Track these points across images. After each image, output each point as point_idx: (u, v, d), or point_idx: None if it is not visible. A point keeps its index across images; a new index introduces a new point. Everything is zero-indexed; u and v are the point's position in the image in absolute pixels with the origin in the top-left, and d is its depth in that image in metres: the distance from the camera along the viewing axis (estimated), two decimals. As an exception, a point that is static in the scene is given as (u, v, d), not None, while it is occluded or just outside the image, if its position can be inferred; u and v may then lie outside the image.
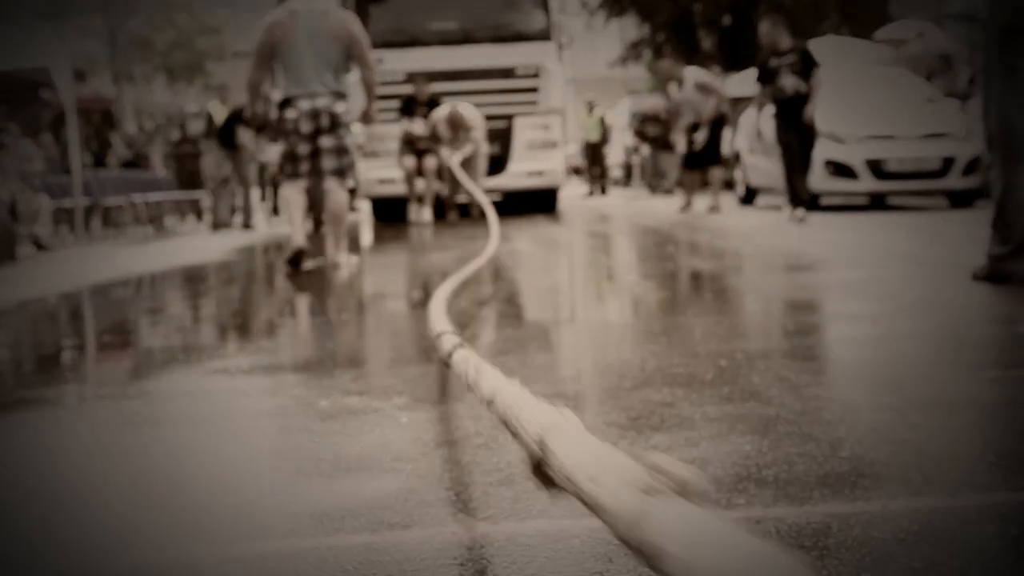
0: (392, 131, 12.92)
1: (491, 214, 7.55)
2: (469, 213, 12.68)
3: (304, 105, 6.96)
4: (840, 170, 12.21)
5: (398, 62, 13.13)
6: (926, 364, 3.40)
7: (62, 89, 12.75)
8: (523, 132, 13.67)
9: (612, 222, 13.22)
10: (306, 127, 6.98)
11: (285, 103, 7.06)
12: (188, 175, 17.62)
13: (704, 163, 13.77)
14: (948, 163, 12.05)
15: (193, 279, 7.50)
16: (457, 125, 12.35)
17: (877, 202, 13.19)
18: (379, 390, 3.11)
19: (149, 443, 2.62)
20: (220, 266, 8.44)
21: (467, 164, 12.14)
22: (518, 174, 13.68)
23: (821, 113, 11.43)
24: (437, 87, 12.95)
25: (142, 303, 6.45)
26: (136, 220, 15.16)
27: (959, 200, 12.33)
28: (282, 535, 1.87)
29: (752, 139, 13.55)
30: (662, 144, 22.90)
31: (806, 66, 10.82)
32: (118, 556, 1.83)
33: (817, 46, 13.02)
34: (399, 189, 13.16)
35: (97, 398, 3.31)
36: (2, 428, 2.90)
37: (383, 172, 13.42)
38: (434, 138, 12.43)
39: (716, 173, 13.72)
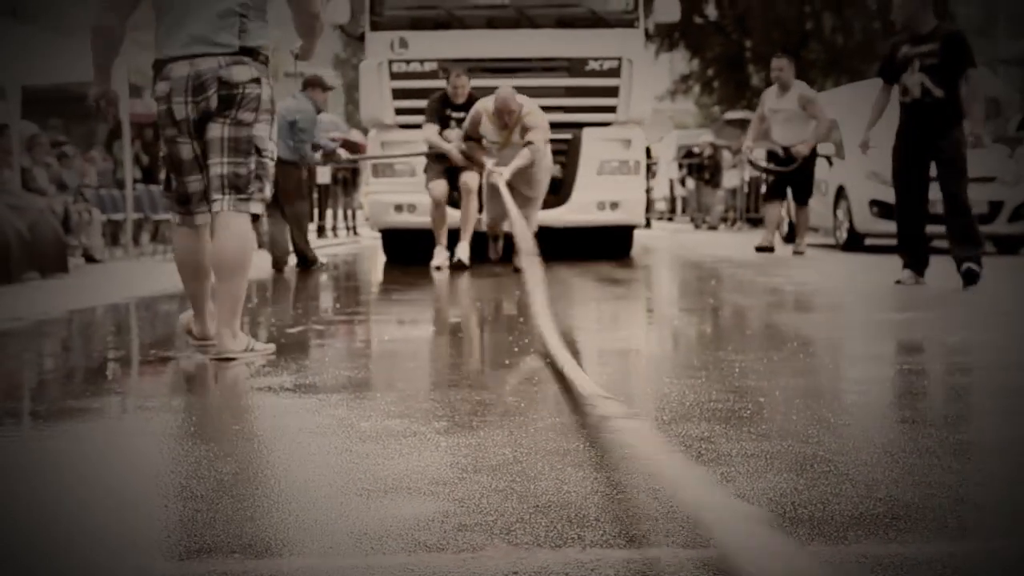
0: (412, 138, 9.72)
1: (527, 245, 5.79)
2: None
3: (178, 71, 4.22)
4: (885, 211, 12.12)
5: (427, 48, 10.08)
6: (968, 408, 3.39)
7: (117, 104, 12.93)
8: (594, 149, 10.14)
9: (657, 254, 13.10)
10: (183, 110, 4.23)
11: (155, 71, 4.33)
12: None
13: (796, 197, 11.48)
14: (996, 208, 11.96)
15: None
16: (508, 120, 8.60)
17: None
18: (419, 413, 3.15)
19: (191, 457, 2.67)
20: (259, 285, 8.52)
21: (520, 180, 8.62)
22: (585, 205, 10.13)
23: (862, 154, 11.36)
24: (478, 84, 9.42)
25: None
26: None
27: (1005, 246, 12.22)
28: (320, 553, 1.91)
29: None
30: (707, 179, 22.91)
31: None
32: (157, 565, 1.88)
33: (863, 88, 12.98)
34: (422, 219, 9.68)
35: (141, 410, 3.36)
36: (49, 437, 2.96)
37: (400, 195, 10.12)
38: (474, 142, 9.02)
39: (806, 211, 11.65)
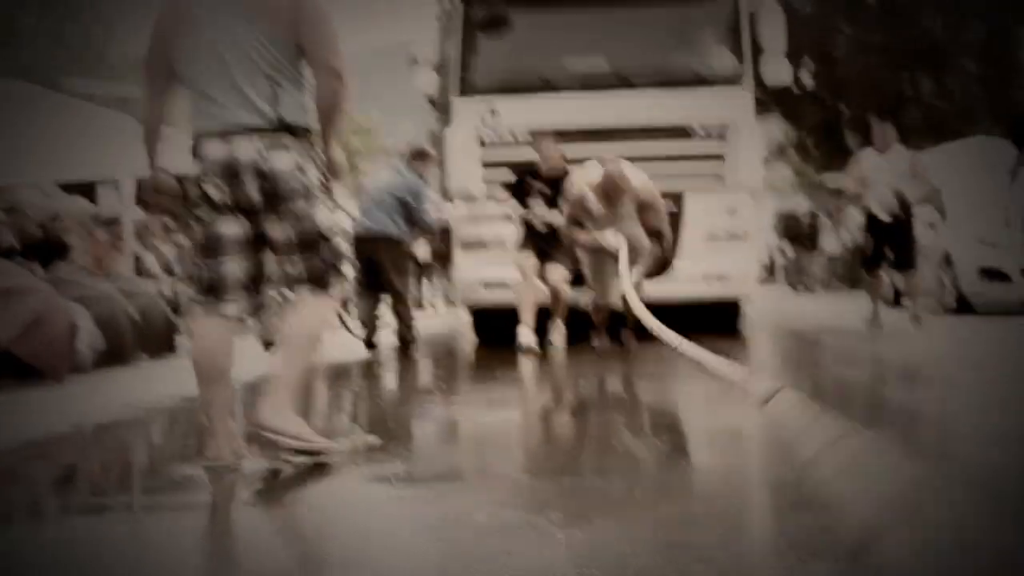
0: (504, 212, 9.13)
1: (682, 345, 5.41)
2: (620, 337, 8.45)
3: (213, 151, 3.84)
4: (993, 275, 11.91)
5: (518, 114, 9.35)
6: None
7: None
8: (699, 217, 9.34)
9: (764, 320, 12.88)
10: (219, 195, 3.85)
11: (193, 147, 3.92)
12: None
13: (899, 262, 10.62)
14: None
15: (339, 376, 7.67)
16: (615, 196, 7.86)
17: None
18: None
19: (309, 562, 2.72)
20: (364, 365, 8.61)
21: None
22: (688, 278, 9.28)
23: (972, 217, 11.20)
24: (574, 152, 8.77)
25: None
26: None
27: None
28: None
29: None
30: (805, 243, 22.73)
31: None
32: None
33: (965, 148, 12.81)
34: (513, 297, 8.85)
35: (244, 505, 3.42)
36: (165, 524, 3.04)
37: (490, 270, 9.32)
38: (577, 227, 8.15)
39: (915, 275, 10.76)
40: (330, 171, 4.07)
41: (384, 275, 9.05)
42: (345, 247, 4.06)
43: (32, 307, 7.08)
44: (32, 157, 10.22)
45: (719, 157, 9.39)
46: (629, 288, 6.81)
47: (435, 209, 9.58)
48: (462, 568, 2.50)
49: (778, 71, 9.79)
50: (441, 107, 10.24)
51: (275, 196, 3.81)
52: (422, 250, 17.78)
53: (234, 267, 3.83)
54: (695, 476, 3.76)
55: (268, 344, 9.23)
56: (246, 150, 3.77)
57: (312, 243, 3.88)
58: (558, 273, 8.49)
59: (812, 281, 22.37)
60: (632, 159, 8.36)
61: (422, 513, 3.12)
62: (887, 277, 11.75)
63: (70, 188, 11.79)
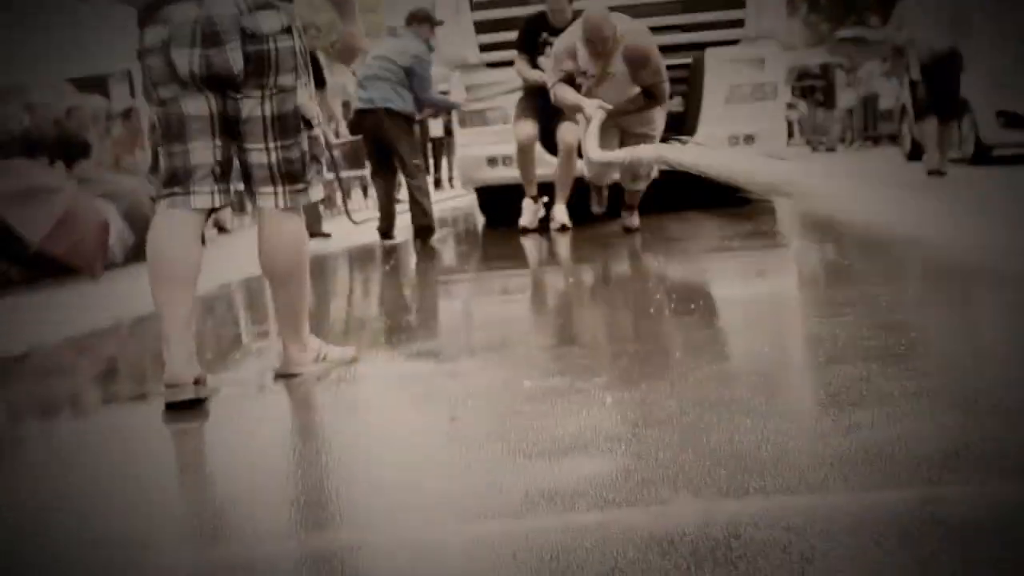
0: (502, 78, 8.32)
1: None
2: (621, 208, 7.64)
3: (181, 14, 3.21)
4: (1013, 120, 11.82)
5: None
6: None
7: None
8: (721, 72, 8.37)
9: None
10: (189, 63, 3.21)
11: (143, 17, 3.28)
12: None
13: (942, 109, 10.40)
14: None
15: (364, 258, 7.77)
16: (602, 47, 6.75)
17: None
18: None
19: (372, 420, 2.84)
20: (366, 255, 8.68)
21: (633, 118, 6.94)
22: (711, 142, 7.77)
23: (988, 63, 11.05)
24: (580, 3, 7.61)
25: (325, 285, 6.76)
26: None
27: None
28: (517, 513, 2.03)
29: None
30: (822, 101, 22.52)
31: None
32: (376, 527, 2.03)
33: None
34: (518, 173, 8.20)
35: (312, 383, 3.54)
36: (224, 405, 3.16)
37: (493, 147, 8.57)
38: (567, 85, 7.00)
39: (952, 125, 10.72)
40: (345, 51, 3.71)
41: (393, 153, 8.24)
42: (323, 140, 3.56)
43: (61, 205, 7.17)
44: (43, 55, 10.21)
45: (739, 1, 8.42)
46: (592, 150, 6.09)
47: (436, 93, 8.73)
48: (515, 431, 2.59)
49: None
50: None
51: (260, 62, 3.21)
52: (437, 128, 17.75)
53: (203, 154, 3.28)
54: (731, 338, 3.86)
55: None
56: (224, 5, 3.17)
57: (292, 129, 3.32)
58: (571, 134, 7.53)
59: (832, 139, 22.23)
60: (644, 7, 7.78)
61: (470, 383, 3.23)
62: (913, 128, 11.56)
63: (83, 85, 11.78)
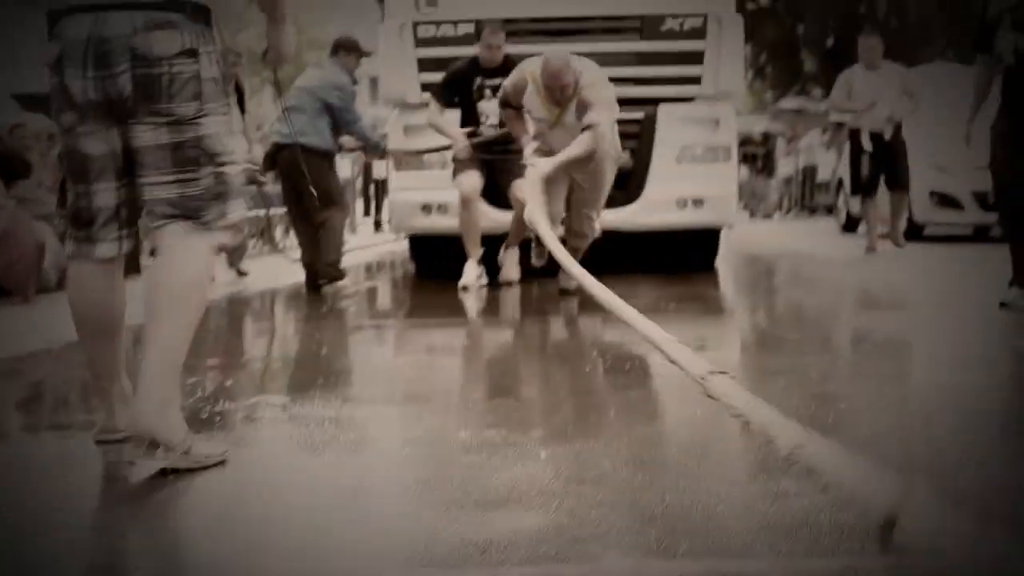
0: (445, 122, 7.63)
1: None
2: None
3: (74, 29, 2.89)
4: (945, 200, 12.13)
5: (461, 4, 8.08)
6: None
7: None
8: (673, 131, 8.02)
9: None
10: (83, 87, 2.89)
11: (49, 26, 2.99)
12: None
13: (892, 182, 10.35)
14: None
15: (286, 300, 7.74)
16: (561, 96, 6.43)
17: (981, 233, 13.07)
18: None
19: (305, 470, 2.84)
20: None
21: (580, 172, 6.67)
22: (661, 203, 8.05)
23: (926, 142, 11.28)
24: (528, 50, 7.25)
25: (263, 321, 6.74)
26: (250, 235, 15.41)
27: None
28: (452, 564, 2.06)
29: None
30: (761, 168, 22.94)
31: None
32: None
33: (923, 73, 12.92)
34: (455, 222, 7.65)
35: (250, 420, 3.53)
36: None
37: (428, 192, 8.12)
38: (513, 111, 6.85)
39: (905, 197, 10.59)
40: (272, 57, 3.33)
41: (307, 191, 7.34)
42: (240, 178, 3.05)
43: (-2, 225, 7.08)
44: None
45: (697, 58, 8.08)
46: (536, 215, 5.58)
47: (373, 132, 8.35)
48: (448, 482, 2.62)
49: None
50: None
51: (150, 87, 2.84)
52: (381, 169, 17.72)
53: (106, 196, 2.98)
54: (664, 400, 3.92)
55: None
56: (117, 24, 2.83)
57: (192, 161, 2.91)
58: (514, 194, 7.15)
59: (770, 206, 22.64)
60: (594, 58, 6.94)
61: (409, 431, 3.25)
62: (849, 202, 11.60)
63: (28, 103, 11.67)
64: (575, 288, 6.62)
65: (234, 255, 8.80)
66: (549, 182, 6.44)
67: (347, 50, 7.79)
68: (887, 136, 10.17)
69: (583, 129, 6.27)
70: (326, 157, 7.68)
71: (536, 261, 7.23)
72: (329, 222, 7.64)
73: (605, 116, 6.31)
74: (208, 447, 2.90)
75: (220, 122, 2.95)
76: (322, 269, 7.62)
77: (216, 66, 2.94)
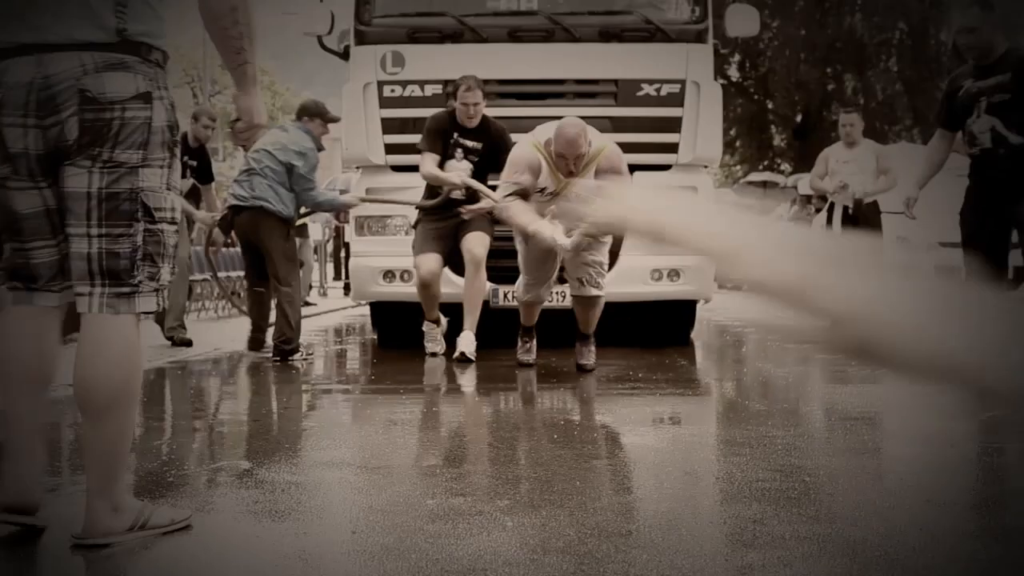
0: (408, 184, 7.52)
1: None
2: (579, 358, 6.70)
3: (16, 72, 2.65)
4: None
5: (429, 67, 7.76)
6: (1007, 491, 3.52)
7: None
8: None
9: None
10: (21, 137, 2.66)
11: None
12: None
13: None
14: (1021, 273, 12.05)
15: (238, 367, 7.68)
16: (575, 166, 6.03)
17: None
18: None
19: (265, 536, 2.83)
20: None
21: (585, 250, 6.25)
22: (635, 273, 7.65)
23: (891, 218, 11.42)
24: (495, 113, 7.30)
25: (230, 383, 6.70)
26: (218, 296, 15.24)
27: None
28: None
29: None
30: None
31: None
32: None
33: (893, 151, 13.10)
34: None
35: (214, 484, 3.51)
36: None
37: (391, 259, 7.75)
38: (520, 199, 6.19)
39: None
40: (242, 126, 2.95)
41: (265, 257, 7.30)
42: (174, 239, 2.79)
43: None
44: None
45: (674, 125, 7.76)
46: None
47: (332, 195, 8.18)
48: (416, 549, 2.61)
49: (745, 19, 8.32)
50: (334, 54, 8.35)
51: (98, 132, 2.61)
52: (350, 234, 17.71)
53: (46, 253, 2.75)
54: (632, 471, 3.93)
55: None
56: (64, 64, 2.61)
57: (126, 214, 2.65)
58: (479, 245, 6.96)
59: (735, 279, 22.86)
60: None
61: (375, 499, 3.24)
62: None
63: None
64: (593, 365, 6.54)
65: (173, 320, 8.41)
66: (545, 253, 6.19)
67: (312, 115, 7.56)
68: (850, 210, 10.29)
69: None
70: (285, 222, 7.34)
71: (523, 356, 6.81)
72: (290, 296, 7.28)
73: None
74: (169, 513, 2.83)
75: (161, 175, 2.71)
76: (276, 346, 7.26)
77: (167, 113, 2.72)
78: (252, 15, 2.80)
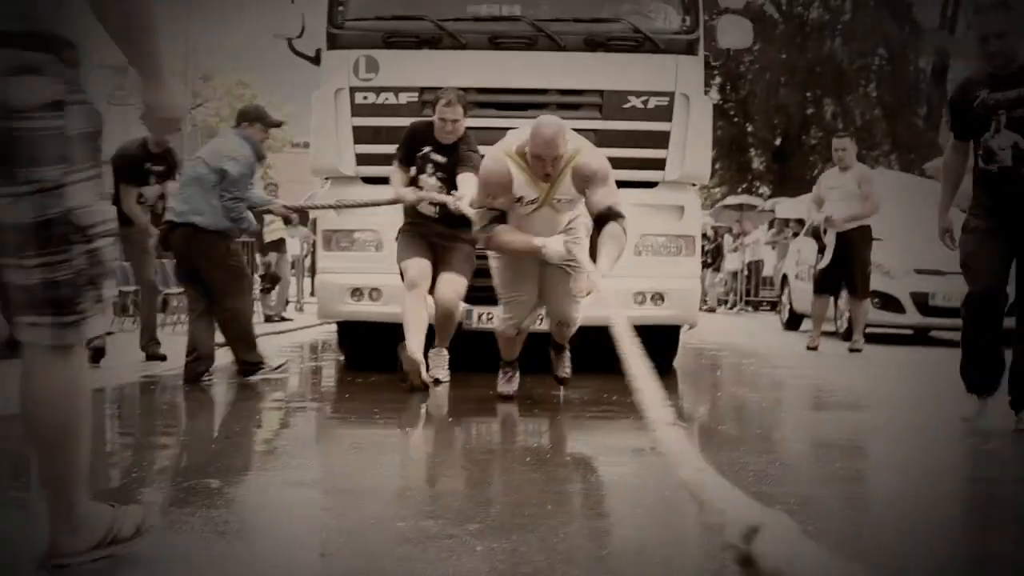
0: (381, 196, 7.01)
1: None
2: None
3: None
4: (887, 302, 12.33)
5: (404, 74, 7.34)
6: (980, 518, 3.52)
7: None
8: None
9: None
10: None
11: None
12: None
13: (852, 288, 10.52)
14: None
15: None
16: (553, 168, 5.47)
17: (921, 335, 13.27)
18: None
19: (232, 558, 2.80)
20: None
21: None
22: (617, 297, 5.53)
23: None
24: (473, 124, 6.79)
25: (203, 399, 6.66)
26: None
27: (1007, 340, 12.35)
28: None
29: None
30: (708, 262, 23.20)
31: None
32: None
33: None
34: (388, 310, 7.06)
35: (182, 503, 3.48)
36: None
37: (359, 276, 7.39)
38: (494, 214, 5.73)
39: (864, 304, 10.59)
40: (154, 122, 2.67)
41: (202, 276, 6.86)
42: (112, 251, 2.62)
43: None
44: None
45: (661, 140, 7.32)
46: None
47: (257, 193, 7.51)
48: (385, 572, 2.59)
49: (738, 30, 7.78)
50: (305, 58, 7.77)
51: (7, 149, 2.38)
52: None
53: None
54: (605, 495, 3.92)
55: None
56: None
57: (60, 239, 2.46)
58: (455, 286, 6.53)
59: (712, 300, 22.85)
60: None
61: (344, 521, 3.22)
62: (829, 306, 11.50)
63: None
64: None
65: (146, 336, 8.21)
66: (527, 261, 5.81)
67: (251, 120, 7.12)
68: (826, 235, 10.36)
69: (600, 214, 5.42)
70: (222, 237, 6.83)
71: (505, 388, 6.32)
72: (234, 316, 6.90)
73: (614, 194, 5.49)
74: (134, 519, 2.74)
75: (89, 187, 2.49)
76: (240, 367, 6.96)
77: (83, 119, 2.46)
78: (150, 4, 2.49)
